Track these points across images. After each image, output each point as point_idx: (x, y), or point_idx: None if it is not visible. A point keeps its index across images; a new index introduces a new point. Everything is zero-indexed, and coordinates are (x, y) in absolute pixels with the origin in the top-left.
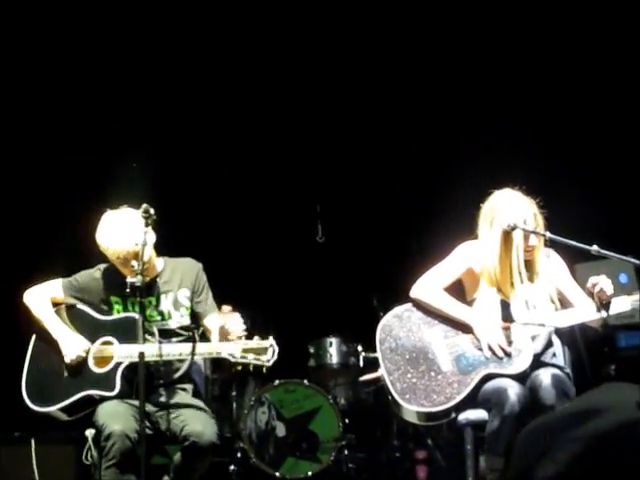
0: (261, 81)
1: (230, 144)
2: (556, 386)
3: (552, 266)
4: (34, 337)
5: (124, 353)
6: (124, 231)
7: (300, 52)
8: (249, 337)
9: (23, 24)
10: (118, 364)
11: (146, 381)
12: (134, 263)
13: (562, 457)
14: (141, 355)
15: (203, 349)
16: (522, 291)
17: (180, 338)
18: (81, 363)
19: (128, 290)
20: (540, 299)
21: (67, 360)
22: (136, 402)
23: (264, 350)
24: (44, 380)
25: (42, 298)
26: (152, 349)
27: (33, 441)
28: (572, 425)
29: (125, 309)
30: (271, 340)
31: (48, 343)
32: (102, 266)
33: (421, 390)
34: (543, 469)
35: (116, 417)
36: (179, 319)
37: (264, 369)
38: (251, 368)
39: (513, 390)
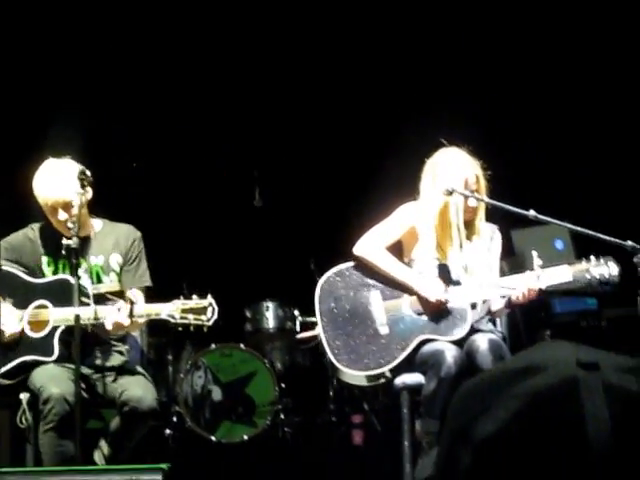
0: (203, 42)
1: (169, 105)
2: (493, 351)
3: (492, 245)
4: None
5: (60, 317)
6: (57, 179)
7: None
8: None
9: None
10: (55, 328)
11: (82, 344)
12: (63, 216)
13: (501, 414)
14: (77, 318)
15: (140, 310)
16: (461, 254)
17: (111, 303)
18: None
19: (63, 252)
20: (478, 264)
21: (4, 336)
22: (73, 365)
23: (203, 309)
24: None
25: None
26: (88, 312)
27: None
28: (510, 383)
29: (56, 270)
30: (210, 299)
31: None
32: (35, 225)
33: (357, 352)
34: (482, 427)
35: (54, 380)
36: (109, 284)
37: (205, 328)
38: (192, 328)
39: (450, 352)
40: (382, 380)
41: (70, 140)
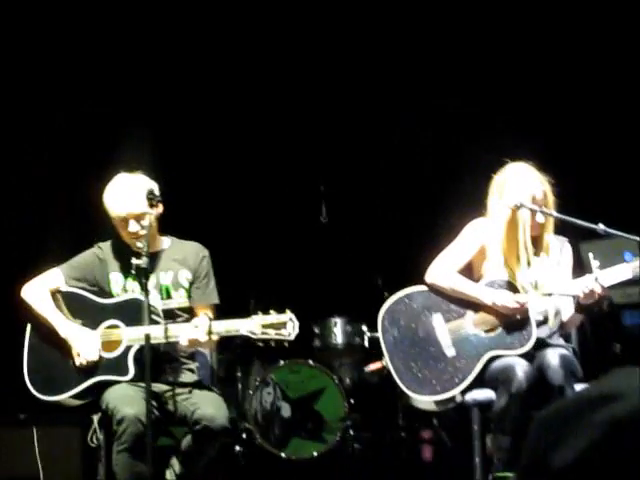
0: (267, 60)
1: (238, 122)
2: (564, 366)
3: (562, 258)
4: (29, 326)
5: (133, 336)
6: (130, 190)
7: (305, 33)
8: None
9: None
10: (128, 347)
11: (154, 363)
12: (134, 227)
13: (580, 443)
14: (147, 337)
15: (220, 327)
16: (530, 270)
17: (181, 319)
18: None
19: (133, 271)
20: (548, 280)
21: (83, 361)
22: (144, 384)
23: (284, 324)
24: (49, 369)
25: (41, 292)
26: (160, 330)
27: (35, 425)
28: (587, 412)
29: (125, 288)
30: (289, 314)
31: (46, 331)
32: (102, 244)
33: (426, 378)
34: (560, 456)
35: (127, 401)
36: (178, 300)
37: (286, 343)
38: (273, 344)
39: (520, 367)
40: (451, 405)
41: (140, 157)
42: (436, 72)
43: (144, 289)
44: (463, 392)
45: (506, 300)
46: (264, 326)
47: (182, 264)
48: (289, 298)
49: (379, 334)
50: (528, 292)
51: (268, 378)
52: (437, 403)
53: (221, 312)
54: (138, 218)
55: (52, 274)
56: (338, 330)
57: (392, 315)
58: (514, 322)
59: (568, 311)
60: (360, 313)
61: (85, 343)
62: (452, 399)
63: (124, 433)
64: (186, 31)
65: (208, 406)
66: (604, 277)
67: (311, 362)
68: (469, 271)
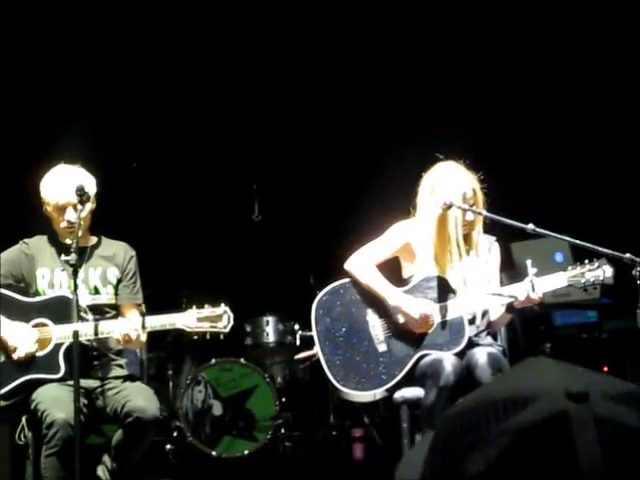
0: (201, 55)
1: (169, 118)
2: (492, 365)
3: (490, 257)
4: None
5: (63, 334)
6: (71, 179)
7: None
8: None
9: None
10: (58, 345)
11: (83, 360)
12: (71, 216)
13: (491, 452)
14: (76, 334)
15: (155, 322)
16: (460, 267)
17: (109, 315)
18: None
19: (62, 269)
20: (477, 277)
21: (21, 355)
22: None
23: (219, 317)
24: None
25: None
26: (89, 327)
27: None
28: (498, 417)
29: (52, 283)
30: (224, 307)
31: None
32: (27, 240)
33: (355, 372)
34: (472, 464)
35: (58, 404)
36: (107, 296)
37: (221, 336)
38: (208, 336)
39: (448, 362)
40: (386, 395)
41: (69, 151)
42: (365, 66)
43: (74, 285)
44: (391, 389)
45: (412, 309)
46: (199, 319)
47: (110, 262)
48: (221, 296)
49: (312, 321)
50: (459, 291)
51: (199, 376)
52: (365, 397)
53: (153, 310)
54: (75, 207)
55: None
56: (270, 328)
57: (326, 304)
58: (447, 322)
59: (496, 310)
60: (292, 311)
61: (21, 337)
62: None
63: (54, 437)
64: (131, 24)
65: (138, 398)
66: (540, 284)
67: (243, 360)
68: (398, 271)
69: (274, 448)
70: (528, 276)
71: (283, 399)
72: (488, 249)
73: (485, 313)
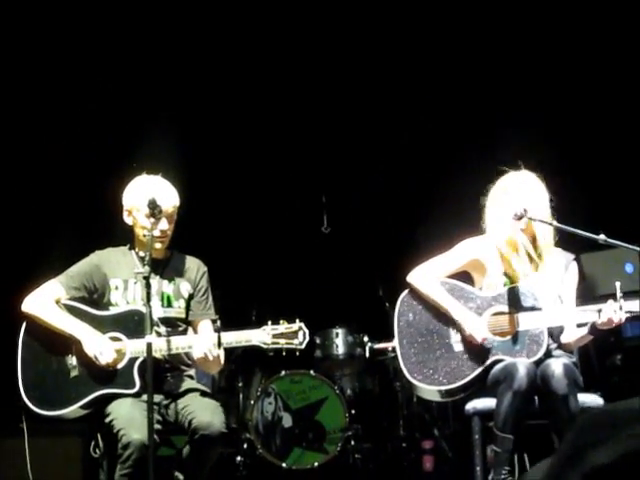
0: (267, 69)
1: (238, 135)
2: (567, 376)
3: (566, 277)
4: (21, 339)
5: (137, 348)
6: (167, 186)
7: (306, 40)
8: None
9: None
10: (133, 360)
11: (156, 374)
12: (165, 226)
13: (617, 449)
14: (149, 346)
15: (231, 338)
16: (531, 280)
17: (181, 328)
18: (93, 362)
19: (135, 280)
20: (547, 292)
21: (102, 362)
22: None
23: (294, 333)
24: (48, 383)
25: (46, 302)
26: (162, 342)
27: (34, 435)
28: (631, 422)
29: (125, 294)
30: (299, 323)
31: (41, 343)
32: (99, 252)
33: (430, 367)
34: (596, 456)
35: (134, 424)
36: (178, 309)
37: (297, 352)
38: (284, 353)
39: (522, 365)
40: (457, 397)
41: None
42: (433, 82)
43: (147, 298)
44: (465, 391)
45: (472, 328)
46: (275, 336)
47: (183, 276)
48: (291, 308)
49: (395, 314)
50: (535, 304)
51: (269, 388)
52: (439, 393)
53: (223, 323)
54: (171, 217)
55: (51, 285)
56: (340, 340)
57: (411, 300)
58: (527, 332)
59: (572, 331)
60: (361, 324)
61: (101, 345)
62: (456, 392)
63: (129, 459)
64: (189, 37)
65: (204, 413)
66: (627, 306)
67: (312, 372)
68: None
69: (344, 460)
70: (616, 296)
71: (353, 411)
72: (565, 266)
73: (561, 331)
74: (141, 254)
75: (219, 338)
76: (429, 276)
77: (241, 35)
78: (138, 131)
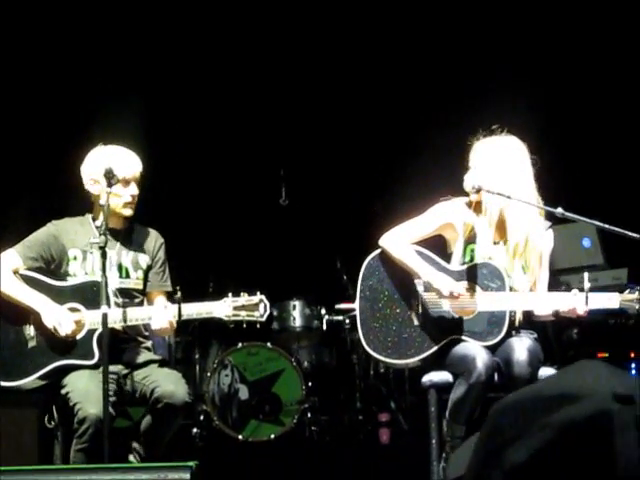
0: (226, 39)
1: (195, 107)
2: (531, 363)
3: (542, 244)
4: None
5: (95, 319)
6: (129, 153)
7: (261, 9)
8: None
9: None
10: (92, 331)
11: (113, 345)
12: (135, 191)
13: (534, 443)
14: (104, 316)
15: (191, 310)
16: (498, 251)
17: (137, 300)
18: (51, 332)
19: (91, 250)
20: (515, 266)
21: (61, 333)
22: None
23: (255, 306)
24: (5, 353)
25: (4, 273)
26: (119, 314)
27: None
28: (545, 411)
29: (84, 264)
30: (260, 295)
31: None
32: (56, 222)
33: (387, 338)
34: (515, 453)
35: (90, 398)
36: (136, 281)
37: (258, 325)
38: (244, 325)
39: (481, 359)
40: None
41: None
42: (397, 42)
43: (103, 268)
44: (420, 373)
45: (443, 285)
46: (236, 308)
47: (141, 247)
48: (249, 280)
49: (359, 277)
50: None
51: (226, 360)
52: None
53: (181, 294)
54: (138, 182)
55: (8, 256)
56: (297, 313)
57: (379, 264)
58: (489, 313)
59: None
60: (319, 296)
61: (59, 316)
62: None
63: (85, 433)
64: (148, 5)
65: (167, 383)
66: (593, 300)
67: (269, 345)
68: (444, 247)
69: (300, 432)
70: (584, 288)
71: (309, 383)
72: (541, 234)
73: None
74: (97, 224)
75: (179, 310)
76: (402, 240)
77: (198, 4)
78: (94, 102)
